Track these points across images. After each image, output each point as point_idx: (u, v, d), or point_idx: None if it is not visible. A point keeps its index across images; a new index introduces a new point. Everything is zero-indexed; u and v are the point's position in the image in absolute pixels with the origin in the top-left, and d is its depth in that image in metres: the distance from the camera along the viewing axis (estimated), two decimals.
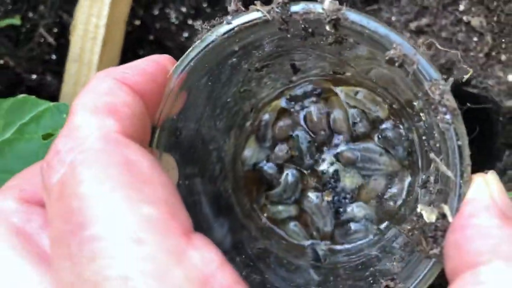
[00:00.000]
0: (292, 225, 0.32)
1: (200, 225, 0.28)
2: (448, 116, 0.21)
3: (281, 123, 0.33)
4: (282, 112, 0.33)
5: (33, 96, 0.32)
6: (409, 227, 0.23)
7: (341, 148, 0.33)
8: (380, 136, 0.32)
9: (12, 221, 0.19)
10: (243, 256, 0.29)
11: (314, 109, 0.33)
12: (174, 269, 0.15)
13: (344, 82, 0.31)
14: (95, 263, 0.15)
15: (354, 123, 0.32)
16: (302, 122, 0.33)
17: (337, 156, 0.32)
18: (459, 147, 0.21)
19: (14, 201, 0.20)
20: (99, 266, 0.15)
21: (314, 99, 0.33)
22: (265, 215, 0.33)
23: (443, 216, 0.21)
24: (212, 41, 0.23)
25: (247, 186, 0.33)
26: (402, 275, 0.24)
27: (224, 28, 0.23)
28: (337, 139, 0.33)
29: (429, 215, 0.21)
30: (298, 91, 0.32)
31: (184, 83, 0.24)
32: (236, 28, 0.23)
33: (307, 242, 0.32)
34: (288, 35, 0.23)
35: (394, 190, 0.32)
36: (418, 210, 0.22)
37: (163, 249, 0.15)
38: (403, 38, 0.22)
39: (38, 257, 0.18)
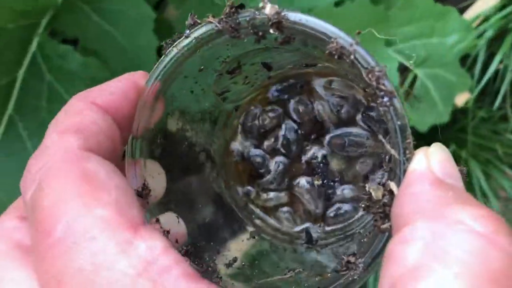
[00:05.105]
0: (284, 211, 0.35)
1: (197, 223, 0.31)
2: (386, 99, 0.22)
3: (266, 115, 0.35)
4: (267, 105, 0.35)
5: None
6: (363, 206, 0.24)
7: (329, 135, 0.34)
8: (364, 114, 0.33)
9: (14, 237, 0.23)
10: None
11: (299, 101, 0.35)
12: (121, 258, 0.18)
13: (319, 73, 0.33)
14: (58, 262, 0.19)
15: (337, 111, 0.34)
16: (291, 113, 0.35)
17: (325, 143, 0.34)
18: (400, 126, 0.22)
19: (15, 219, 0.23)
20: (61, 264, 0.19)
21: (297, 91, 0.35)
22: (258, 204, 0.35)
23: (391, 192, 0.23)
24: (175, 54, 0.26)
25: (239, 179, 0.35)
26: (362, 250, 0.26)
27: (184, 42, 0.26)
28: (323, 127, 0.34)
29: (376, 193, 0.23)
30: (281, 85, 0.34)
31: (158, 94, 0.27)
32: (194, 41, 0.25)
33: (301, 227, 0.34)
34: (245, 40, 0.26)
35: (379, 171, 0.34)
36: (367, 189, 0.24)
37: (112, 242, 0.19)
38: (341, 30, 0.23)
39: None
